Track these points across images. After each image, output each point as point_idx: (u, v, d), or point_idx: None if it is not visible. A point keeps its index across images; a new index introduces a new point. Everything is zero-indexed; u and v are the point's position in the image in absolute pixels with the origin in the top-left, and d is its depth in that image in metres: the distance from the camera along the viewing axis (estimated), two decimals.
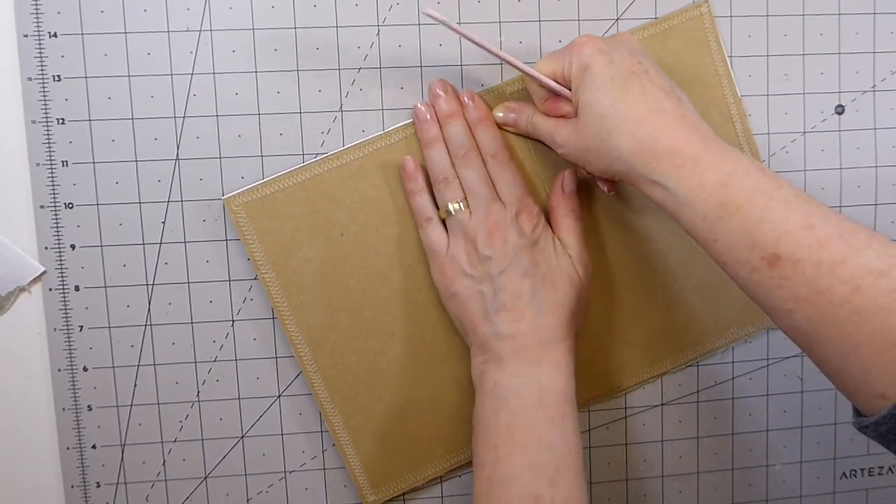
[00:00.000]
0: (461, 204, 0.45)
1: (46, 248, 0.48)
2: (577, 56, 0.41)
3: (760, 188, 0.36)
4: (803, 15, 0.51)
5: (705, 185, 0.36)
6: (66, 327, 0.48)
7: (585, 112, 0.41)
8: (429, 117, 0.47)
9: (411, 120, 0.48)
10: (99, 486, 0.50)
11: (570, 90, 0.43)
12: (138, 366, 0.49)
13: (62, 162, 0.47)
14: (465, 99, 0.47)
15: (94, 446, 0.49)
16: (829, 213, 0.35)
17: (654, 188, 0.38)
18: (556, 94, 0.44)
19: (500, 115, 0.47)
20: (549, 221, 0.48)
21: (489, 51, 0.43)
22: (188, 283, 0.49)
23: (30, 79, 0.46)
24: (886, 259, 0.32)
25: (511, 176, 0.46)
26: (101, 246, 0.48)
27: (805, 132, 0.52)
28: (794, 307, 0.34)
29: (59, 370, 0.49)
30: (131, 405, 0.49)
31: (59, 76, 0.46)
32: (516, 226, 0.45)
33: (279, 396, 0.50)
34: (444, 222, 0.47)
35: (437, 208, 0.47)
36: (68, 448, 0.49)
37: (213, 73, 0.47)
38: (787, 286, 0.34)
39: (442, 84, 0.47)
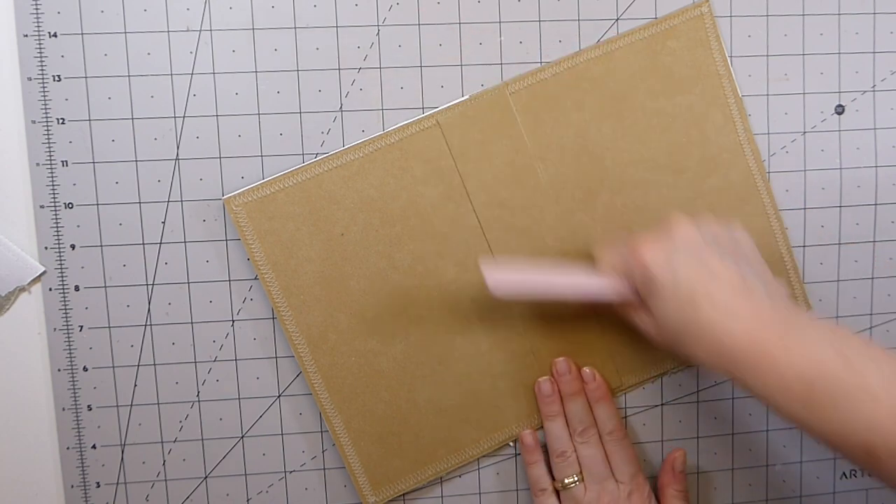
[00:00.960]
0: (577, 478, 0.48)
1: (46, 248, 0.48)
2: (639, 269, 0.41)
3: (844, 383, 0.35)
4: (803, 15, 0.51)
5: (788, 386, 0.36)
6: (66, 327, 0.48)
7: (659, 320, 0.41)
8: (552, 393, 0.49)
9: (410, 120, 0.48)
10: (99, 486, 0.50)
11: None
12: (138, 366, 0.49)
13: (62, 162, 0.47)
14: (587, 375, 0.49)
15: (94, 446, 0.49)
16: None
17: (737, 383, 0.39)
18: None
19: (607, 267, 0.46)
20: (657, 498, 0.50)
21: (550, 292, 0.45)
22: (188, 283, 0.49)
23: (30, 79, 0.46)
24: None
25: (626, 453, 0.49)
26: (101, 246, 0.48)
27: (805, 132, 0.52)
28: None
29: (59, 370, 0.49)
30: (131, 405, 0.49)
31: (59, 76, 0.46)
32: None
33: (279, 396, 0.50)
34: (557, 493, 0.49)
35: (553, 478, 0.49)
36: (68, 448, 0.49)
37: (213, 73, 0.47)
38: (883, 476, 0.34)
39: (566, 364, 0.49)
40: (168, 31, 0.47)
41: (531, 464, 0.50)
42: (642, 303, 0.43)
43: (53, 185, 0.47)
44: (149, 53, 0.47)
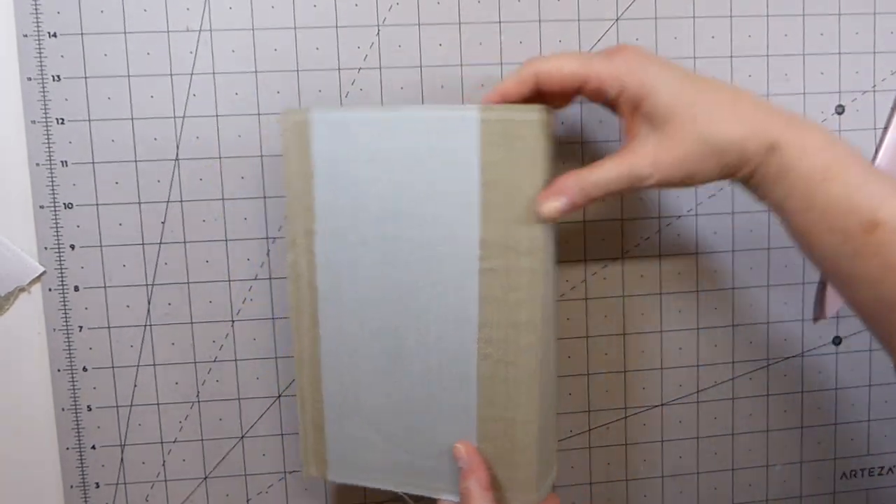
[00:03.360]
0: None
1: (46, 248, 0.48)
2: (629, 68, 0.38)
3: (857, 157, 0.36)
4: (803, 15, 0.51)
5: (807, 149, 0.36)
6: (65, 327, 0.48)
7: (673, 120, 0.37)
8: None
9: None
10: (98, 487, 0.50)
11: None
12: (138, 366, 0.49)
13: (62, 162, 0.47)
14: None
15: (93, 447, 0.49)
16: None
17: (769, 158, 0.37)
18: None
19: (557, 205, 0.39)
20: None
21: None
22: (188, 283, 0.49)
23: (29, 79, 0.46)
24: None
25: None
26: (101, 246, 0.48)
27: None
28: (884, 276, 0.34)
29: (58, 370, 0.49)
30: (131, 405, 0.49)
31: (58, 76, 0.46)
32: None
33: (279, 396, 0.50)
34: None
35: None
36: (68, 448, 0.49)
37: (213, 73, 0.47)
38: (882, 253, 0.34)
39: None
40: (168, 31, 0.47)
41: None
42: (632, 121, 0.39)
43: (53, 186, 0.47)
44: (149, 53, 0.47)
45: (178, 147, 0.48)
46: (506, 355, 0.41)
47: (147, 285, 0.48)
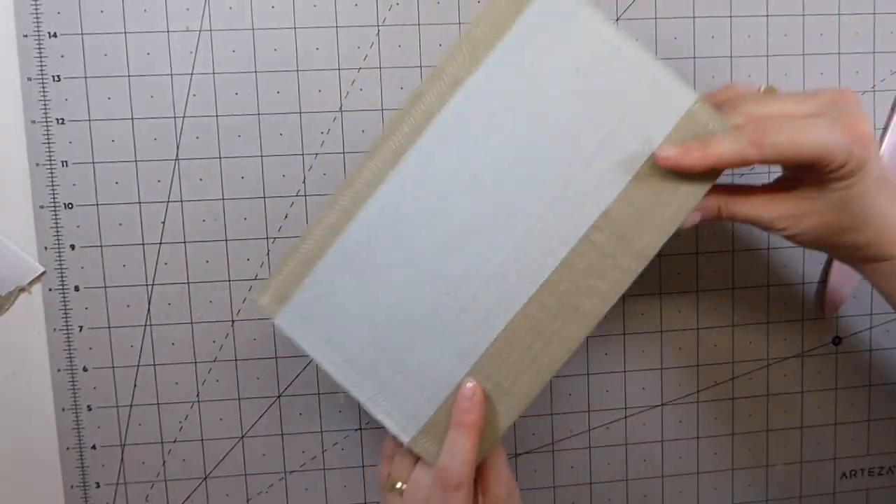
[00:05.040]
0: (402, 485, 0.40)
1: (46, 248, 0.48)
2: (860, 147, 0.35)
3: None
4: (803, 15, 0.51)
5: None
6: (65, 327, 0.48)
7: (867, 215, 0.37)
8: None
9: None
10: (99, 487, 0.50)
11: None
12: (138, 366, 0.49)
13: (62, 162, 0.47)
14: None
15: (93, 446, 0.49)
16: None
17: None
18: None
19: (695, 220, 0.39)
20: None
21: None
22: (188, 283, 0.49)
23: (29, 79, 0.46)
24: None
25: None
26: (101, 246, 0.48)
27: None
28: None
29: (58, 370, 0.49)
30: (131, 405, 0.49)
31: (58, 76, 0.46)
32: None
33: (279, 396, 0.50)
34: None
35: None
36: (68, 448, 0.49)
37: (213, 73, 0.47)
38: None
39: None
40: (168, 31, 0.47)
41: (383, 457, 0.43)
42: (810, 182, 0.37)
43: (53, 185, 0.47)
44: (149, 53, 0.47)
45: (178, 147, 0.48)
46: (545, 330, 0.39)
47: (147, 285, 0.48)
